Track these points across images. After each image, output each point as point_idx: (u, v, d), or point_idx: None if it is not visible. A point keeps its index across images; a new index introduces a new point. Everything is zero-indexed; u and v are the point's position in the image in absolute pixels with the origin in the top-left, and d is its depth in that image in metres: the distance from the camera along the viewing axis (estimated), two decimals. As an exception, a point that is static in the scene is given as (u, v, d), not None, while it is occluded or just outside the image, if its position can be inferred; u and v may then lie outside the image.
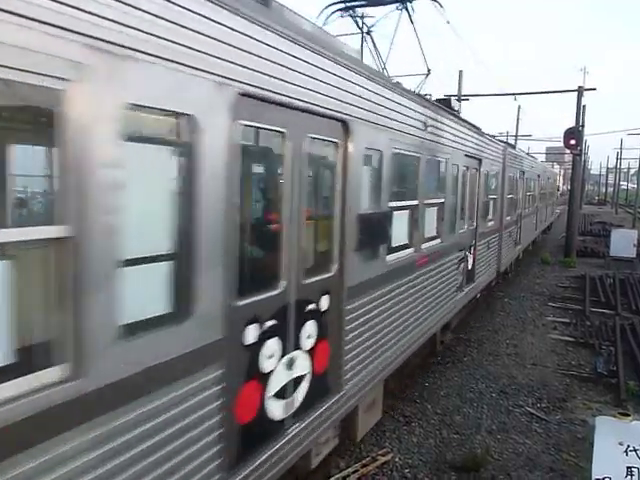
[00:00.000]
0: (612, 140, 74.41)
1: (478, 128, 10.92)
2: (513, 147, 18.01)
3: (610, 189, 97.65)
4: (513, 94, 27.55)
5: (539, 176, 23.58)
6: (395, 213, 6.09)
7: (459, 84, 27.91)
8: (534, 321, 12.45)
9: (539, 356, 9.99)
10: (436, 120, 7.44)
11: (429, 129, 7.05)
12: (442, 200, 7.93)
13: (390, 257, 5.83)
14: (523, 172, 17.24)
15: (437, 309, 7.91)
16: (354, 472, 5.74)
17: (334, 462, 5.90)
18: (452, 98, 9.26)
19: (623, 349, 10.07)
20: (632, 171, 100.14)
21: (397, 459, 6.16)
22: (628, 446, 3.88)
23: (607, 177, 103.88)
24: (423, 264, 7.06)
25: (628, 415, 4.04)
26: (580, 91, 22.62)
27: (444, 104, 8.84)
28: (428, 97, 8.34)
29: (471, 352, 10.09)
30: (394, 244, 6.13)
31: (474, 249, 10.45)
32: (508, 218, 14.53)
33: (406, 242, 6.59)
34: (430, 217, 7.53)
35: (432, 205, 7.59)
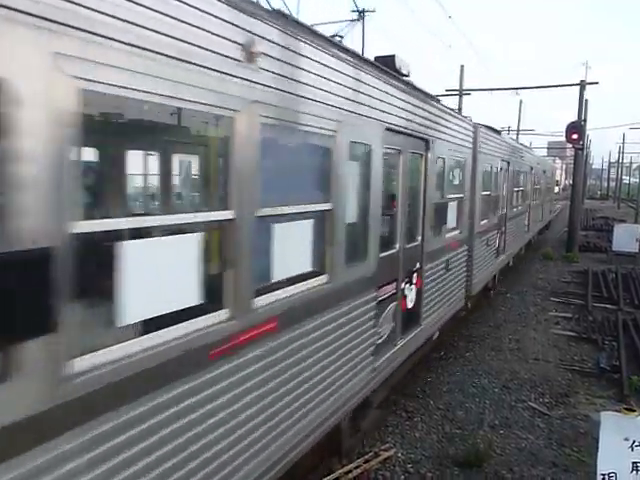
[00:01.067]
0: (614, 134, 74.31)
1: (424, 92, 7.32)
2: (496, 132, 13.66)
3: (612, 184, 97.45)
4: (515, 88, 27.43)
5: (532, 169, 19.82)
6: (104, 245, 2.65)
7: (460, 79, 27.80)
8: (536, 316, 12.43)
9: (541, 351, 9.97)
10: (292, 52, 3.89)
11: (265, 64, 3.54)
12: (327, 207, 4.52)
13: (83, 362, 2.42)
14: (508, 163, 13.91)
15: (319, 404, 4.51)
16: (357, 467, 5.73)
17: (337, 457, 5.89)
18: (399, 56, 6.32)
19: (626, 344, 10.04)
20: (634, 165, 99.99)
21: (400, 454, 6.16)
22: (634, 441, 3.87)
23: (609, 171, 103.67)
24: (260, 338, 3.60)
25: (634, 410, 4.02)
26: (582, 85, 22.53)
27: (385, 62, 6.08)
28: (338, 40, 5.15)
29: (473, 347, 10.07)
30: (126, 319, 2.71)
31: (419, 277, 7.08)
32: (484, 222, 11.26)
33: (185, 305, 3.07)
34: (290, 241, 4.18)
35: (293, 217, 4.21)
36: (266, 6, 3.82)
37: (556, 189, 44.75)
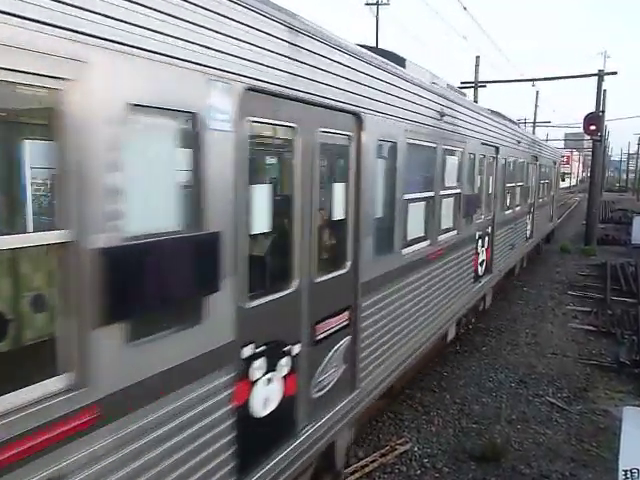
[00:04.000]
0: (633, 125, 72.86)
1: None
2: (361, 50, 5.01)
3: (631, 175, 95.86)
4: (531, 80, 27.05)
5: (498, 150, 10.38)
6: None
7: (475, 70, 27.48)
8: (554, 310, 12.29)
9: (559, 345, 9.86)
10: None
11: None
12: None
13: None
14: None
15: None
16: (373, 461, 5.73)
17: (353, 451, 5.90)
18: None
19: (646, 338, 9.89)
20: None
21: (416, 449, 6.13)
22: (657, 437, 3.80)
23: (628, 163, 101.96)
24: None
25: (657, 406, 3.94)
26: (600, 75, 22.14)
27: None
28: None
29: (490, 341, 9.99)
30: None
31: None
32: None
33: None
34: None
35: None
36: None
37: (573, 181, 43.35)
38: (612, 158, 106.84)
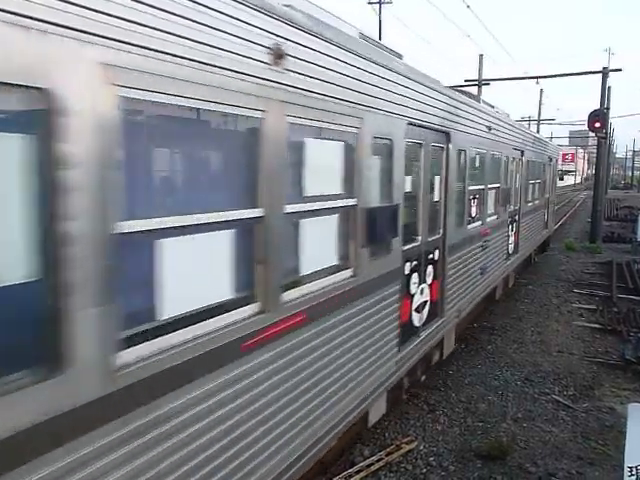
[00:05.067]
0: (639, 122, 72.49)
1: None
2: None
3: (637, 172, 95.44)
4: (535, 77, 27.00)
5: (453, 143, 7.20)
6: None
7: (479, 69, 27.41)
8: (559, 308, 12.26)
9: (565, 343, 9.84)
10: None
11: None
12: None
13: None
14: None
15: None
16: (378, 460, 5.74)
17: (358, 450, 5.92)
18: None
19: (652, 336, 9.85)
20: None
21: (422, 447, 6.14)
22: (662, 434, 3.80)
23: (633, 160, 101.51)
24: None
25: (662, 403, 3.94)
26: (605, 72, 22.06)
27: None
28: None
29: (495, 340, 9.98)
30: None
31: None
32: None
33: None
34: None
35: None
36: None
37: (577, 179, 43.12)
38: (617, 155, 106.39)
